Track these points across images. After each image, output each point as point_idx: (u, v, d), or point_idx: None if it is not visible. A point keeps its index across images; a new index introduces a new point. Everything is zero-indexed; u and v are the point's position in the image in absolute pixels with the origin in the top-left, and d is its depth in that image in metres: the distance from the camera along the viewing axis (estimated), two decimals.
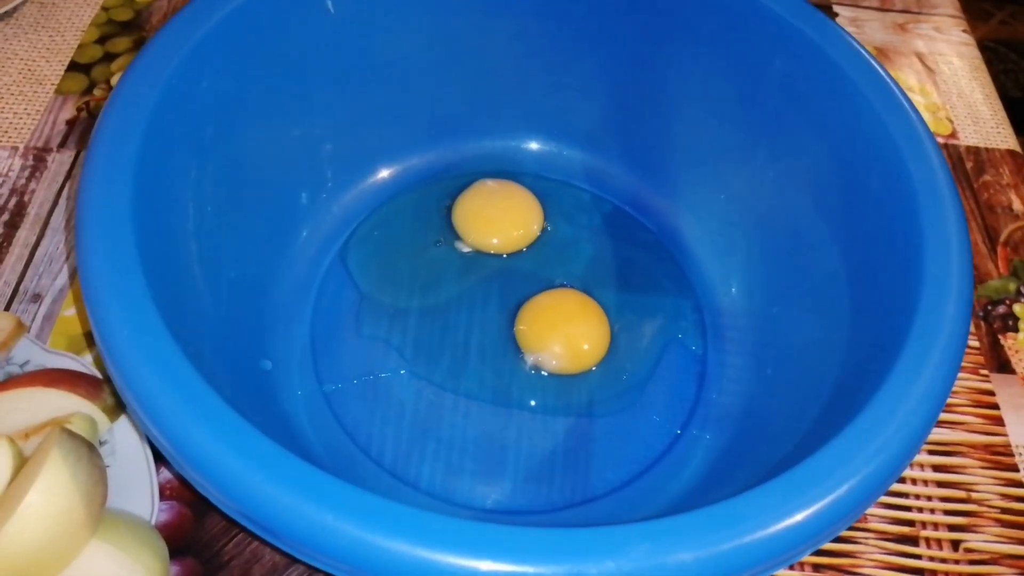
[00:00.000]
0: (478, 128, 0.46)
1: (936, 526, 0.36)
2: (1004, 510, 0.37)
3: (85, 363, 0.37)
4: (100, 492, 0.29)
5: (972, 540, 0.36)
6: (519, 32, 0.43)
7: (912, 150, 0.32)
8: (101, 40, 0.52)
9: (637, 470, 0.36)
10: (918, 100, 0.54)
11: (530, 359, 0.39)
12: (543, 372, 0.39)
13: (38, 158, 0.45)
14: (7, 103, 0.48)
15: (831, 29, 0.36)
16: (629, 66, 0.42)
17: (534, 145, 0.47)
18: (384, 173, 0.45)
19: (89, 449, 0.29)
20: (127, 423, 0.35)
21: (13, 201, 0.43)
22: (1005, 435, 0.39)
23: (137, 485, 0.33)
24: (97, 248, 0.27)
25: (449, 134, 0.46)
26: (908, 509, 0.37)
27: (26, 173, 0.45)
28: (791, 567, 0.35)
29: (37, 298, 0.40)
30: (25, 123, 0.47)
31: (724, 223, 0.42)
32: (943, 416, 0.39)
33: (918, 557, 0.35)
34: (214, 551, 0.33)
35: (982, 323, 0.44)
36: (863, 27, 0.58)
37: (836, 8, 0.60)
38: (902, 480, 0.38)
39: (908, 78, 0.55)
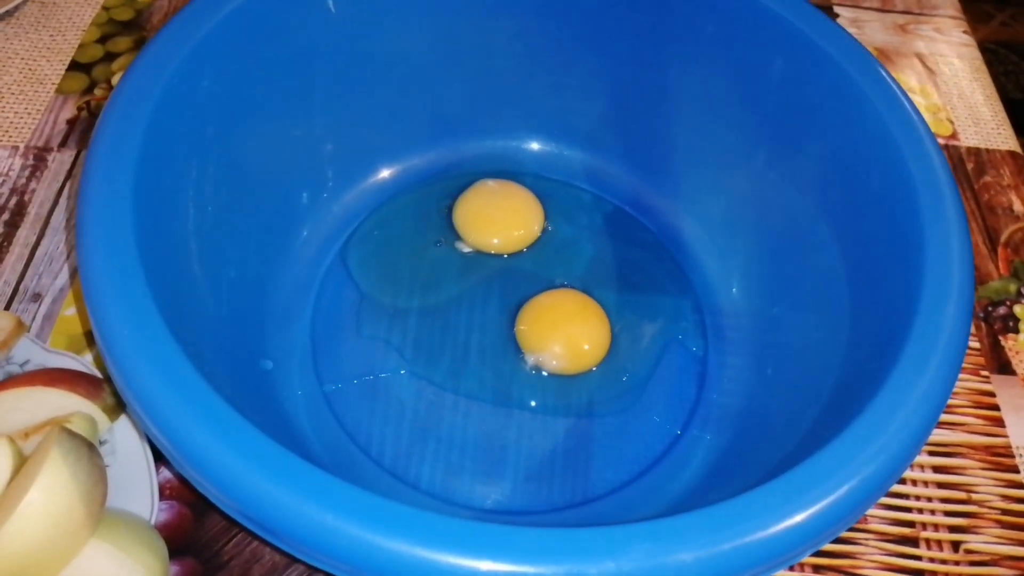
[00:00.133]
0: (479, 128, 0.46)
1: (936, 527, 0.36)
2: (1004, 511, 0.37)
3: (85, 362, 0.37)
4: (100, 492, 0.29)
5: (972, 541, 0.36)
6: (520, 32, 0.43)
7: (913, 151, 0.32)
8: (102, 40, 0.52)
9: (637, 470, 0.36)
10: (919, 101, 0.54)
11: (530, 359, 0.39)
12: (543, 372, 0.39)
13: (39, 157, 0.45)
14: (8, 102, 0.48)
15: (832, 29, 0.36)
16: (630, 66, 0.42)
17: (535, 145, 0.47)
18: (385, 173, 0.45)
19: (89, 448, 0.29)
20: (127, 423, 0.35)
21: (13, 200, 0.43)
22: (1005, 436, 0.39)
23: (137, 485, 0.33)
24: (98, 247, 0.27)
25: (450, 134, 0.46)
26: (908, 510, 0.37)
27: (26, 172, 0.45)
28: (791, 568, 0.35)
29: (37, 297, 0.40)
30: (26, 122, 0.47)
31: (725, 223, 0.42)
32: (943, 417, 0.39)
33: (918, 558, 0.35)
34: (214, 551, 0.33)
35: (983, 324, 0.44)
36: (864, 28, 0.58)
37: (837, 9, 0.60)
38: (902, 481, 0.38)
39: (909, 79, 0.55)
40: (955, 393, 0.40)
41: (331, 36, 0.39)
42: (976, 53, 0.58)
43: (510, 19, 0.42)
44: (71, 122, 0.47)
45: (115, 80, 0.50)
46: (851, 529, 0.36)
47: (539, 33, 0.43)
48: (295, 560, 0.33)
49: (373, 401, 0.37)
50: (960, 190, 0.39)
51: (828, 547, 0.35)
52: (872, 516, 0.36)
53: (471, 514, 0.34)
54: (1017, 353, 0.42)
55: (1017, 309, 0.44)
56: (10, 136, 0.46)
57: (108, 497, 0.30)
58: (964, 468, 0.38)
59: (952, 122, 0.53)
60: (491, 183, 0.44)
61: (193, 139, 0.34)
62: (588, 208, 0.45)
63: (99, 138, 0.30)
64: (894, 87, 0.34)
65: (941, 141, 0.52)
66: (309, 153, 0.41)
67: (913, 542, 0.36)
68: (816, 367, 0.34)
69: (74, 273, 0.41)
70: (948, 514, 0.37)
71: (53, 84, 0.49)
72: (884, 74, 0.35)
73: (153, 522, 0.32)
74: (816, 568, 0.35)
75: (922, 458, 0.38)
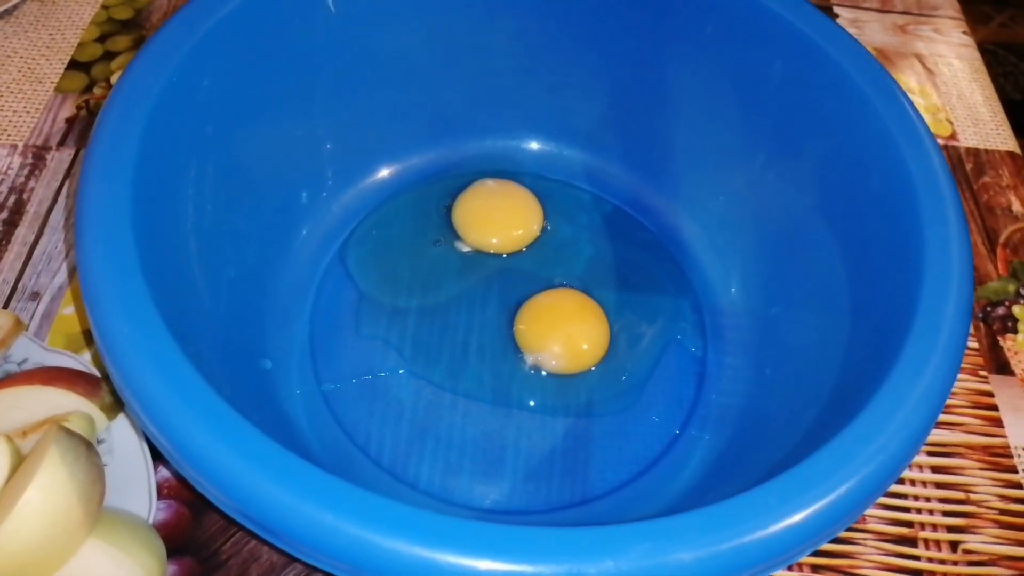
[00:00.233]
0: (478, 128, 0.46)
1: (935, 527, 0.36)
2: (1003, 511, 0.37)
3: (83, 361, 0.36)
4: (98, 490, 0.29)
5: (971, 541, 0.36)
6: (519, 31, 0.43)
7: (913, 151, 0.32)
8: (101, 38, 0.52)
9: (636, 470, 0.36)
10: (918, 101, 0.54)
11: (529, 359, 0.39)
12: (542, 372, 0.39)
13: (37, 156, 0.45)
14: (7, 101, 0.48)
15: (832, 30, 0.36)
16: (629, 66, 0.42)
17: (534, 145, 0.47)
18: (384, 172, 0.45)
19: (87, 447, 0.29)
20: (125, 422, 0.35)
21: (12, 199, 0.43)
22: (1004, 436, 0.39)
23: (135, 484, 0.33)
24: (96, 246, 0.27)
25: (449, 133, 0.46)
26: (907, 510, 0.37)
27: (25, 171, 0.45)
28: (790, 568, 0.35)
29: (36, 296, 0.40)
30: (24, 121, 0.47)
31: (724, 223, 0.42)
32: (942, 417, 0.39)
33: (917, 558, 0.35)
34: (212, 550, 0.33)
35: (981, 324, 0.44)
36: (863, 28, 0.59)
37: (836, 9, 0.60)
38: (901, 481, 0.38)
39: (908, 79, 0.55)
40: (954, 393, 0.40)
41: (331, 35, 0.39)
42: (975, 54, 0.58)
43: (510, 19, 0.42)
44: (70, 121, 0.47)
45: (114, 79, 0.50)
46: (850, 529, 0.36)
47: (539, 33, 0.43)
48: (293, 559, 0.33)
49: (372, 401, 0.37)
50: (959, 191, 0.39)
51: (827, 547, 0.35)
52: (871, 516, 0.36)
53: (470, 514, 0.34)
54: (1016, 353, 0.42)
55: (1016, 309, 0.44)
56: (9, 135, 0.46)
57: (106, 496, 0.30)
58: (962, 468, 0.38)
59: (951, 122, 0.53)
60: (490, 183, 0.44)
61: (192, 138, 0.34)
62: (587, 208, 0.45)
63: (98, 137, 0.30)
64: (894, 87, 0.34)
65: (940, 142, 0.52)
66: (308, 152, 0.41)
67: (911, 542, 0.36)
68: (815, 367, 0.34)
69: (73, 272, 0.41)
70: (946, 514, 0.37)
71: (52, 83, 0.49)
72: (884, 74, 0.35)
73: (151, 521, 0.32)
74: (815, 568, 0.35)
75: (921, 458, 0.38)
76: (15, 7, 0.52)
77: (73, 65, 0.50)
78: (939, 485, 0.38)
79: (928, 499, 0.37)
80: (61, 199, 0.44)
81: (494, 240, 0.43)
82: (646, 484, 0.36)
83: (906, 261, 0.30)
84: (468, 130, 0.46)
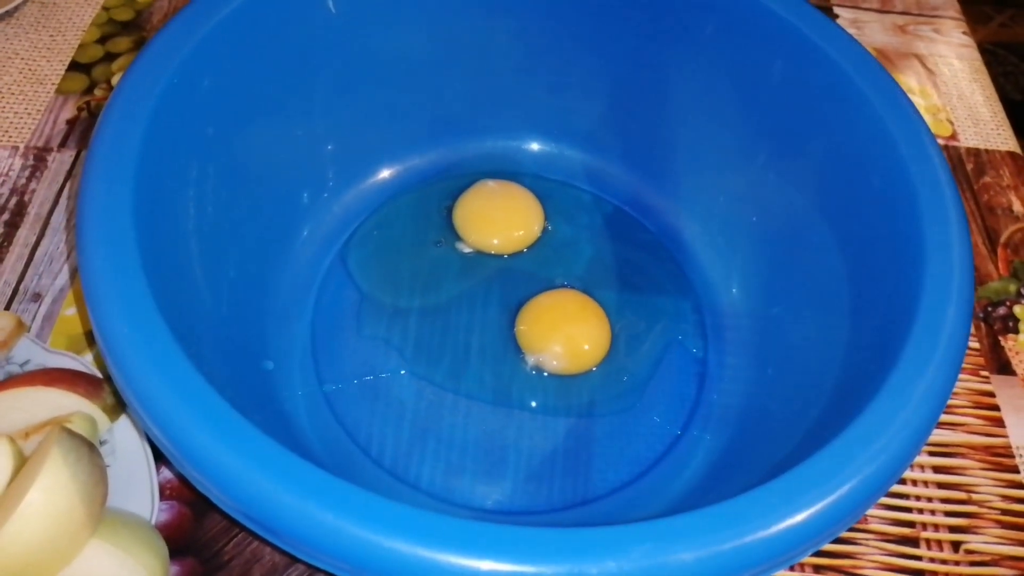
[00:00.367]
0: (479, 128, 0.46)
1: (936, 527, 0.36)
2: (1004, 511, 0.37)
3: (85, 362, 0.37)
4: (100, 491, 0.29)
5: (972, 541, 0.36)
6: (520, 32, 0.43)
7: (913, 151, 0.32)
8: (102, 40, 0.52)
9: (637, 471, 0.36)
10: (918, 102, 0.54)
11: (531, 359, 0.39)
12: (543, 372, 0.39)
13: (38, 158, 0.45)
14: (8, 103, 0.48)
15: (832, 30, 0.36)
16: (630, 66, 0.43)
17: (535, 145, 0.47)
18: (385, 173, 0.45)
19: (89, 448, 0.29)
20: (127, 423, 0.35)
21: (13, 201, 0.43)
22: (1005, 436, 0.39)
23: (137, 485, 0.33)
24: (98, 247, 0.27)
25: (450, 134, 0.46)
26: (908, 510, 0.37)
27: (26, 173, 0.45)
28: (791, 568, 0.35)
29: (37, 297, 0.40)
30: (26, 123, 0.47)
31: (725, 224, 0.42)
32: (943, 417, 0.39)
33: (918, 558, 0.35)
34: (214, 551, 0.33)
35: (982, 324, 0.44)
36: (863, 28, 0.59)
37: (836, 10, 0.60)
38: (902, 481, 0.38)
39: (908, 80, 0.55)
40: (955, 393, 0.40)
41: (331, 36, 0.39)
42: (976, 54, 0.58)
43: (510, 19, 0.42)
44: (71, 122, 0.47)
45: (115, 80, 0.50)
46: (851, 529, 0.36)
47: (539, 33, 0.43)
48: (295, 560, 0.33)
49: (373, 401, 0.37)
50: (960, 191, 0.39)
51: (828, 547, 0.35)
52: (872, 516, 0.36)
53: (471, 514, 0.34)
54: (1017, 353, 0.42)
55: (1017, 309, 0.44)
56: (10, 136, 0.46)
57: (108, 497, 0.30)
58: (964, 468, 0.38)
59: (952, 123, 0.53)
60: (491, 183, 0.44)
61: (193, 139, 0.34)
62: (588, 208, 0.45)
63: (99, 138, 0.30)
64: (894, 88, 0.34)
65: (941, 142, 0.52)
66: (310, 153, 0.41)
67: (913, 542, 0.36)
68: (816, 367, 0.34)
69: (74, 273, 0.41)
70: (948, 514, 0.37)
71: (53, 84, 0.49)
72: (884, 75, 0.35)
73: (153, 522, 0.32)
74: (816, 568, 0.35)
75: (922, 458, 0.38)
76: (16, 8, 0.52)
77: (74, 66, 0.50)
78: (941, 485, 0.38)
79: (930, 499, 0.37)
80: (62, 200, 0.44)
81: (495, 241, 0.43)
82: (647, 484, 0.36)
83: (907, 261, 0.30)
84: (469, 131, 0.46)
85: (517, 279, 0.42)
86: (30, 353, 0.37)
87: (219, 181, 0.35)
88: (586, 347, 0.39)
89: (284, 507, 0.22)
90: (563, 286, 0.42)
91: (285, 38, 0.37)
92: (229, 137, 0.36)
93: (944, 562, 0.35)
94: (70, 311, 0.39)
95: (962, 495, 0.37)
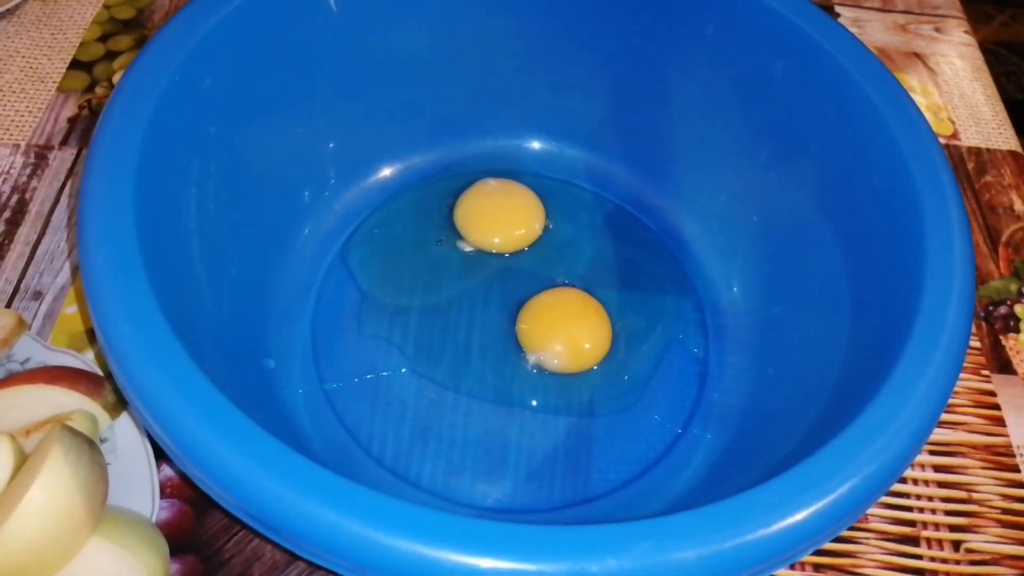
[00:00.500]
0: (480, 127, 0.46)
1: (937, 526, 0.36)
2: (1005, 511, 0.37)
3: (86, 360, 0.37)
4: (101, 489, 0.29)
5: (973, 540, 0.36)
6: (521, 31, 0.43)
7: (915, 150, 0.32)
8: (103, 38, 0.52)
9: (638, 469, 0.36)
10: (919, 101, 0.54)
11: (531, 358, 0.39)
12: (544, 371, 0.39)
13: (40, 156, 0.45)
14: (9, 101, 0.48)
15: (834, 29, 0.36)
16: (631, 65, 0.43)
17: (536, 144, 0.47)
18: (386, 172, 0.45)
19: (90, 446, 0.29)
20: (128, 420, 0.35)
21: (14, 199, 0.43)
22: (1006, 436, 0.39)
23: (138, 483, 0.33)
24: (99, 245, 0.27)
25: (451, 133, 0.46)
26: (909, 509, 0.37)
27: (27, 171, 0.45)
28: (792, 566, 0.35)
29: (38, 296, 0.40)
30: (27, 121, 0.47)
31: (726, 223, 0.42)
32: (944, 416, 0.39)
33: (919, 557, 0.35)
34: (215, 549, 0.33)
35: (983, 324, 0.44)
36: (864, 27, 0.59)
37: (838, 9, 0.60)
38: (903, 480, 0.38)
39: (910, 79, 0.55)
40: (956, 392, 0.40)
41: (333, 35, 0.39)
42: (977, 53, 0.58)
43: (511, 18, 0.42)
44: (72, 120, 0.47)
45: (116, 79, 0.50)
46: (852, 528, 0.36)
47: (540, 32, 0.43)
48: (296, 558, 0.33)
49: (374, 400, 0.37)
50: (961, 190, 0.39)
51: (829, 546, 0.35)
52: (873, 515, 0.36)
53: (472, 513, 0.34)
54: (1018, 353, 0.42)
55: (1018, 309, 0.44)
56: (11, 134, 0.46)
57: (109, 495, 0.30)
58: (965, 467, 0.38)
59: (953, 122, 0.53)
60: (492, 182, 0.44)
61: (195, 137, 0.34)
62: (589, 207, 0.45)
63: (101, 136, 0.30)
64: (896, 87, 0.34)
65: (942, 141, 0.52)
66: (311, 151, 0.41)
67: (914, 541, 0.36)
68: (817, 366, 0.34)
69: (75, 271, 0.41)
70: (949, 513, 0.37)
71: (54, 82, 0.49)
72: (886, 74, 0.35)
73: (154, 520, 0.32)
74: (817, 567, 0.35)
75: (923, 457, 0.38)
76: (17, 7, 0.52)
77: (75, 65, 0.50)
78: (941, 484, 0.38)
79: (930, 498, 0.37)
80: (63, 199, 0.44)
81: (496, 239, 0.43)
82: (648, 483, 0.36)
83: (908, 260, 0.30)
84: (470, 130, 0.46)
85: (518, 278, 0.42)
86: (31, 351, 0.37)
87: (220, 179, 0.35)
88: (587, 346, 0.39)
89: (285, 504, 0.22)
90: (564, 285, 0.42)
91: (287, 37, 0.37)
92: (231, 135, 0.36)
93: (944, 561, 0.35)
94: (71, 309, 0.39)
95: (963, 494, 0.37)
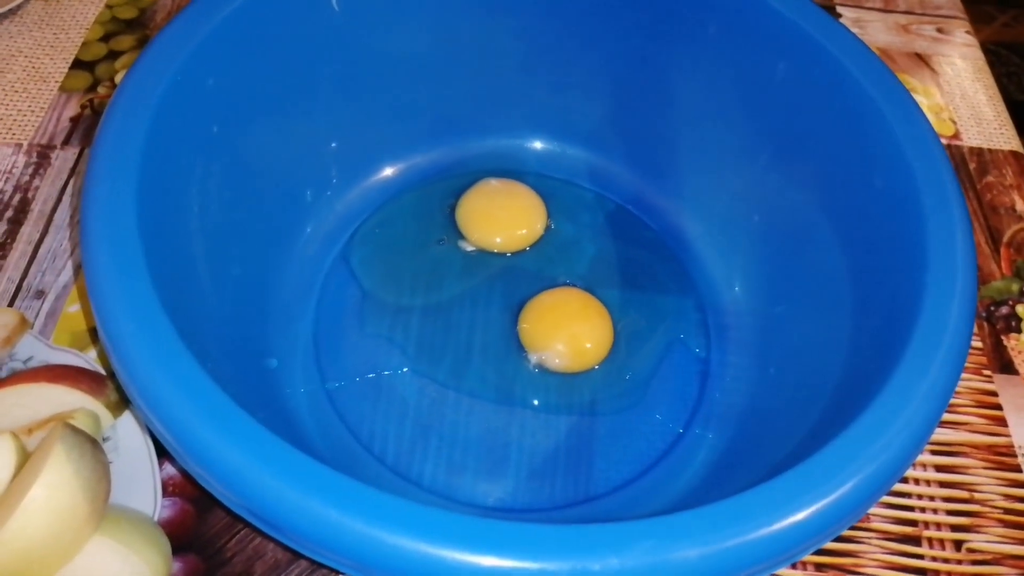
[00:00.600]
0: (482, 127, 0.46)
1: (939, 526, 0.36)
2: (1007, 510, 0.37)
3: (88, 359, 0.37)
4: (103, 488, 0.29)
5: (975, 540, 0.36)
6: (523, 31, 0.43)
7: (917, 150, 0.32)
8: (105, 38, 0.52)
9: (639, 469, 0.36)
10: (921, 101, 0.54)
11: (533, 357, 0.39)
12: (546, 371, 0.39)
13: (42, 155, 0.46)
14: (11, 100, 0.48)
15: (836, 29, 0.36)
16: (633, 65, 0.43)
17: (537, 144, 0.47)
18: (388, 171, 0.45)
19: (92, 445, 0.29)
20: (130, 419, 0.35)
21: (17, 198, 0.44)
22: (1008, 436, 0.39)
23: (140, 481, 0.33)
24: (102, 244, 0.27)
25: (453, 133, 0.46)
26: (911, 509, 0.37)
27: (30, 170, 0.45)
28: (793, 566, 0.35)
29: (40, 294, 0.40)
30: (29, 120, 0.47)
31: (727, 222, 0.42)
32: (946, 416, 0.39)
33: (920, 557, 0.35)
34: (216, 547, 0.33)
35: (985, 324, 0.44)
36: (866, 28, 0.59)
37: (839, 9, 0.60)
38: (905, 480, 0.38)
39: (911, 79, 0.55)
40: (957, 393, 0.40)
41: (335, 35, 0.39)
42: (979, 53, 0.58)
43: (513, 18, 0.42)
44: (74, 120, 0.47)
45: (118, 78, 0.50)
46: (853, 528, 0.36)
47: (542, 32, 0.43)
48: (298, 556, 0.33)
49: (376, 399, 0.37)
50: (963, 190, 0.39)
51: (831, 545, 0.35)
52: (874, 515, 0.36)
53: (474, 512, 0.34)
54: (1020, 353, 0.42)
55: (1020, 309, 0.44)
56: (13, 133, 0.46)
57: (111, 493, 0.30)
58: (966, 467, 0.38)
59: (955, 122, 0.53)
60: (494, 182, 0.44)
61: (197, 137, 0.34)
62: (591, 207, 0.45)
63: (103, 135, 0.30)
64: (898, 87, 0.34)
65: (944, 141, 0.52)
66: (313, 151, 0.41)
67: (915, 541, 0.36)
68: (819, 366, 0.34)
69: (78, 270, 0.41)
70: (950, 513, 0.37)
71: (56, 82, 0.49)
72: (888, 74, 0.35)
73: (156, 518, 0.32)
74: (819, 566, 0.35)
75: (924, 457, 0.38)
76: (19, 6, 0.53)
77: (77, 64, 0.50)
78: (943, 484, 0.38)
79: (932, 498, 0.37)
80: (66, 198, 0.44)
81: (498, 239, 0.43)
82: (650, 482, 0.36)
83: (910, 260, 0.30)
84: (471, 129, 0.46)
85: (520, 277, 0.42)
86: (33, 350, 0.37)
87: (223, 179, 0.35)
88: (588, 345, 0.39)
89: (288, 502, 0.23)
90: (566, 284, 0.42)
91: (288, 36, 0.37)
92: (233, 135, 0.36)
93: (946, 561, 0.35)
94: (73, 308, 0.39)
95: (964, 494, 0.37)
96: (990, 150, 0.52)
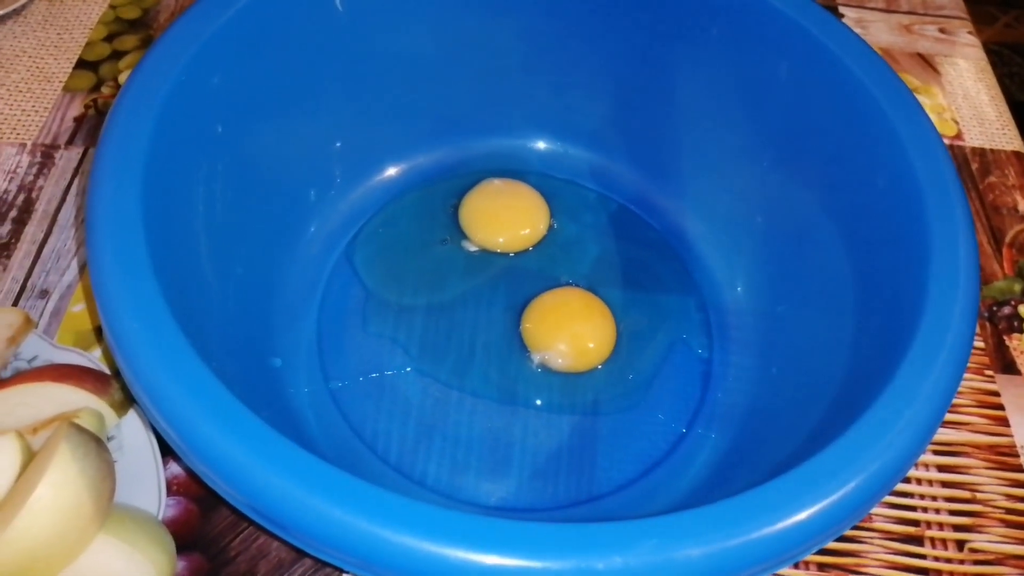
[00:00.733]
0: (485, 127, 0.46)
1: (941, 526, 0.36)
2: (1009, 510, 0.37)
3: (93, 359, 0.37)
4: (108, 487, 0.29)
5: (977, 540, 0.36)
6: (526, 31, 0.43)
7: (919, 150, 0.32)
8: (109, 38, 0.52)
9: (642, 469, 0.36)
10: (923, 101, 0.54)
11: (536, 357, 0.39)
12: (549, 370, 0.39)
13: (46, 155, 0.46)
14: (15, 100, 0.48)
15: (838, 30, 0.36)
16: (635, 65, 0.43)
17: (540, 144, 0.47)
18: (391, 171, 0.45)
19: (97, 444, 0.29)
20: (134, 418, 0.35)
21: (21, 198, 0.44)
22: (1010, 435, 0.39)
23: (144, 480, 0.33)
24: (107, 244, 0.27)
25: (456, 133, 0.46)
26: (913, 509, 0.37)
27: (34, 170, 0.45)
28: (796, 565, 0.35)
29: (45, 294, 0.40)
30: (33, 120, 0.47)
31: (730, 222, 0.42)
32: (948, 416, 0.39)
33: (923, 557, 0.35)
34: (221, 546, 0.33)
35: (987, 324, 0.44)
36: (868, 28, 0.59)
37: (842, 9, 0.60)
38: (907, 480, 0.38)
39: (913, 79, 0.56)
40: (960, 393, 0.40)
41: (339, 35, 0.39)
42: (981, 54, 0.58)
43: (516, 19, 0.42)
44: (78, 120, 0.47)
45: (122, 78, 0.50)
46: (856, 527, 0.36)
47: (544, 33, 0.43)
48: (302, 555, 0.33)
49: (379, 398, 0.37)
50: (965, 190, 0.39)
51: (833, 545, 0.35)
52: (877, 515, 0.36)
53: (477, 511, 0.35)
54: (1022, 353, 0.42)
55: (1022, 309, 0.44)
56: (18, 133, 0.46)
57: (116, 492, 0.30)
58: (969, 467, 0.38)
59: (957, 122, 0.53)
60: (497, 182, 0.44)
61: (202, 137, 0.34)
62: (593, 207, 0.45)
63: (108, 135, 0.30)
64: (900, 87, 0.34)
65: (946, 141, 0.52)
66: (317, 151, 0.41)
67: (918, 541, 0.36)
68: (821, 366, 0.34)
69: (82, 269, 0.41)
70: (953, 513, 0.37)
71: (60, 82, 0.49)
72: (890, 74, 0.35)
73: (160, 517, 0.32)
74: (821, 566, 0.35)
75: (927, 457, 0.38)
76: (23, 7, 0.53)
77: (81, 64, 0.50)
78: (945, 484, 0.38)
79: (934, 498, 0.37)
80: (70, 198, 0.44)
81: (500, 239, 0.43)
82: (652, 482, 0.36)
83: (912, 260, 0.30)
84: (475, 129, 0.46)
85: (522, 277, 0.42)
86: (38, 349, 0.37)
87: (227, 178, 0.35)
88: (591, 345, 0.39)
89: (293, 501, 0.23)
90: (568, 284, 0.42)
91: (292, 37, 0.37)
92: (237, 135, 0.36)
93: (948, 561, 0.35)
94: (77, 307, 0.40)
95: (966, 494, 0.37)
96: (992, 150, 0.52)
